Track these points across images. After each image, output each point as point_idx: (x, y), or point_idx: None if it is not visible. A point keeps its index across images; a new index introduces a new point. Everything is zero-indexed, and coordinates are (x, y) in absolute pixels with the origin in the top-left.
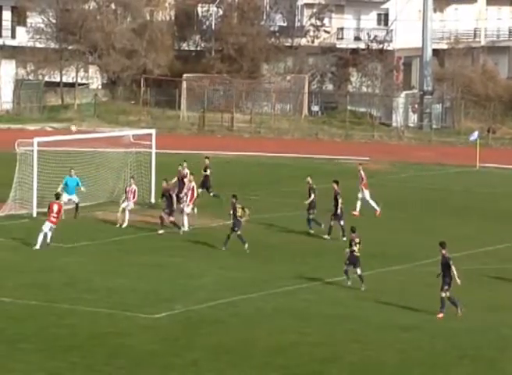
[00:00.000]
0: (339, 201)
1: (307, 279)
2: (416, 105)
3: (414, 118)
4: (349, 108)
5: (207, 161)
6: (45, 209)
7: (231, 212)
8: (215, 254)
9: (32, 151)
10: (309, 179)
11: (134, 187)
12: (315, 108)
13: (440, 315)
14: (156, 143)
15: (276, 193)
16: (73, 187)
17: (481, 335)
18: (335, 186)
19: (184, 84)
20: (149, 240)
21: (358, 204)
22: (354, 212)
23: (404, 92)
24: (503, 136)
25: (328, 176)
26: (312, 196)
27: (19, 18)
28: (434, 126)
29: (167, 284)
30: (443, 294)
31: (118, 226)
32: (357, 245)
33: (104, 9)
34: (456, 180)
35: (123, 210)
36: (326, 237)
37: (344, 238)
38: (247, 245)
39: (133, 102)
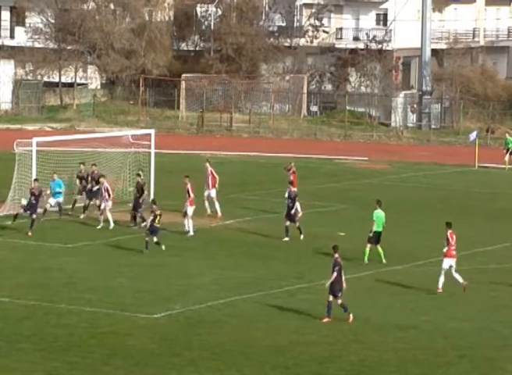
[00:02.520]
0: (297, 203)
1: (307, 279)
2: (415, 105)
3: (412, 118)
4: (348, 108)
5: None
6: (43, 209)
7: (135, 191)
8: (215, 254)
9: (31, 151)
10: (139, 178)
11: (106, 184)
12: (314, 108)
13: (333, 318)
14: (155, 143)
15: (275, 193)
16: (56, 191)
17: (480, 335)
18: (291, 187)
19: (183, 84)
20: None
21: (206, 204)
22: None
23: (403, 92)
24: (502, 136)
25: (327, 177)
26: (145, 193)
27: (18, 18)
28: (433, 126)
29: (166, 284)
30: (339, 301)
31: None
32: (158, 217)
33: (103, 9)
34: (455, 180)
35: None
36: (286, 238)
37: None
38: (144, 224)
39: (131, 102)
